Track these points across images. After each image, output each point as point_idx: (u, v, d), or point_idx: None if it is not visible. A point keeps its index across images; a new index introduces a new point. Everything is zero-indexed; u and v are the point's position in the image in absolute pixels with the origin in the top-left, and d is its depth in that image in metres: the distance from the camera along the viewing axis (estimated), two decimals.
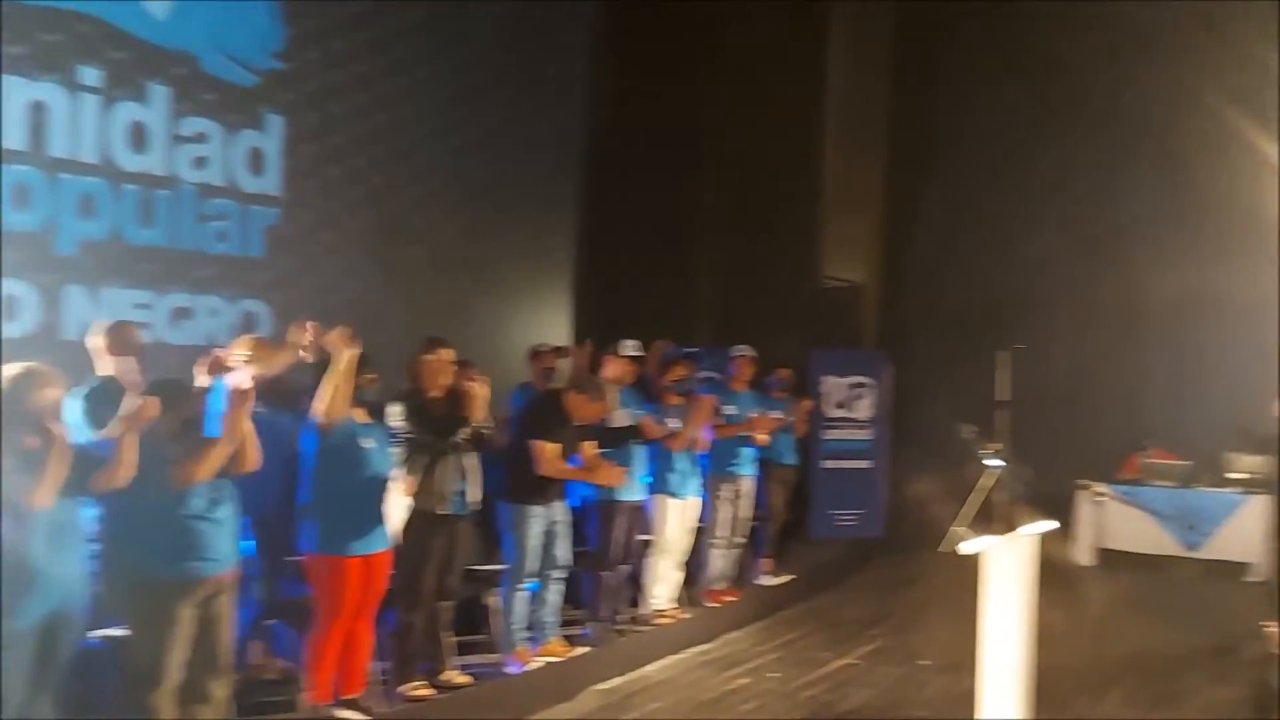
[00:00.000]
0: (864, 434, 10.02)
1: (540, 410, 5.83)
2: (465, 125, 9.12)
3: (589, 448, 5.97)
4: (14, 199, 6.15)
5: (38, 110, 6.24)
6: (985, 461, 8.72)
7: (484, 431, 5.41)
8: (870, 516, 10.04)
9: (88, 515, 4.12)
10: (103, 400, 4.50)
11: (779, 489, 8.24)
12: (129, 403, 3.97)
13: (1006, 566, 4.05)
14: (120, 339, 4.73)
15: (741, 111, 10.86)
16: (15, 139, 6.13)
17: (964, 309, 10.92)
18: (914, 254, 11.31)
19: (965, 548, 4.03)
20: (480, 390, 5.33)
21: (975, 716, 3.97)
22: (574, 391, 5.88)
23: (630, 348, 6.52)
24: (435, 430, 5.19)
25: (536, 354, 7.21)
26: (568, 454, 5.78)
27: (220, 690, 4.29)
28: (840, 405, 9.97)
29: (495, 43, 9.33)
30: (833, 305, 11.35)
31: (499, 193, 9.33)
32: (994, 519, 9.00)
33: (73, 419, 4.39)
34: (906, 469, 10.32)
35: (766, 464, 8.11)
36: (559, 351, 7.22)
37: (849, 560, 9.48)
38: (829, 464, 9.93)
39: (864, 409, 10.03)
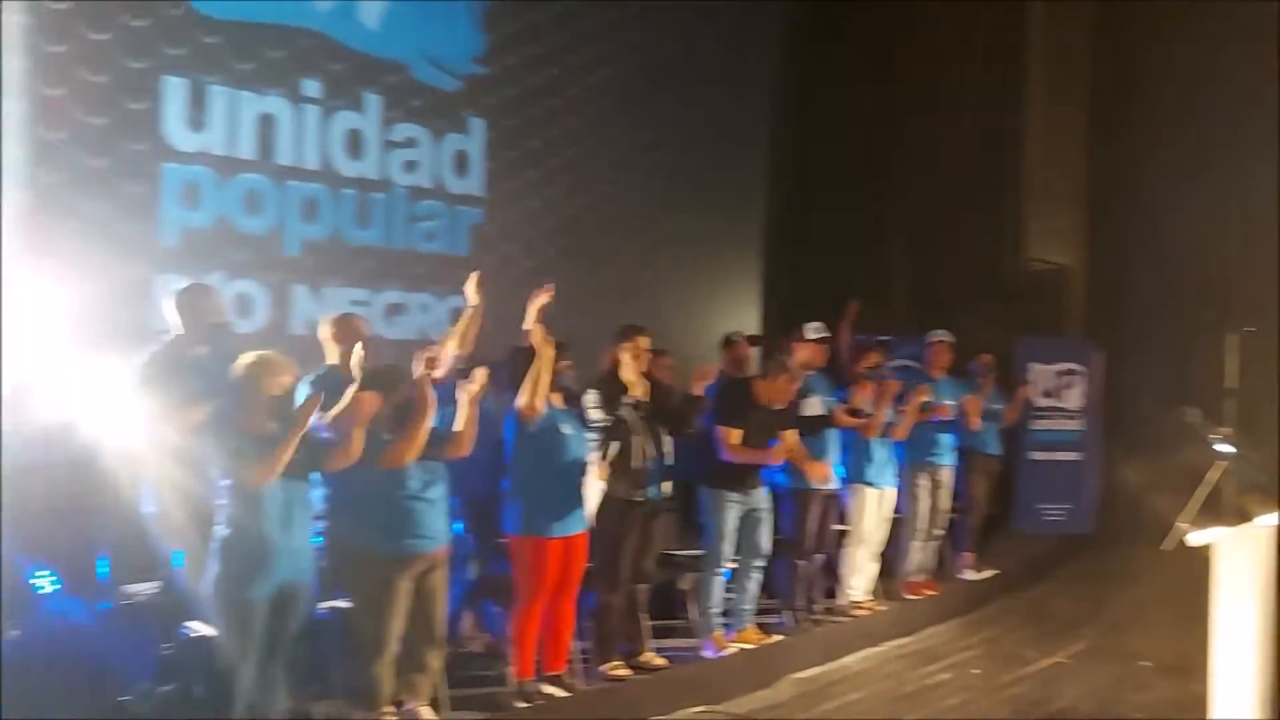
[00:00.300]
0: (1073, 424, 9.53)
1: (725, 396, 5.85)
2: (656, 121, 9.26)
3: (790, 436, 5.94)
4: (246, 205, 6.68)
5: (266, 122, 6.75)
6: (1214, 448, 8.03)
7: (683, 412, 5.47)
8: (1079, 510, 9.53)
9: (315, 495, 4.43)
10: (329, 388, 4.82)
11: (981, 480, 7.96)
12: (352, 391, 4.23)
13: (1240, 560, 3.77)
14: (345, 330, 5.05)
15: (940, 92, 10.50)
16: (247, 149, 6.66)
17: (1179, 290, 10.17)
18: (1123, 233, 10.61)
19: (1193, 539, 3.79)
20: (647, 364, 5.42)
21: None
22: (759, 377, 5.89)
23: (814, 330, 6.43)
24: (628, 415, 5.29)
25: (728, 343, 7.23)
26: (756, 440, 5.78)
27: (435, 661, 4.54)
28: (1048, 394, 9.51)
29: (685, 40, 9.42)
30: (1038, 289, 10.83)
31: (690, 185, 9.43)
32: (1224, 510, 8.37)
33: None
34: (1119, 461, 9.76)
35: (968, 453, 7.85)
36: (751, 340, 7.21)
37: (1056, 555, 9.06)
38: (1036, 455, 9.49)
39: (1073, 398, 9.54)
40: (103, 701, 4.23)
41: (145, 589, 4.74)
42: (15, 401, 5.15)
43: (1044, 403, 9.52)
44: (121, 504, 4.61)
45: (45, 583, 5.47)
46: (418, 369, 4.57)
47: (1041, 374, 9.50)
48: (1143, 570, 8.76)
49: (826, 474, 6.18)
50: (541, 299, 5.05)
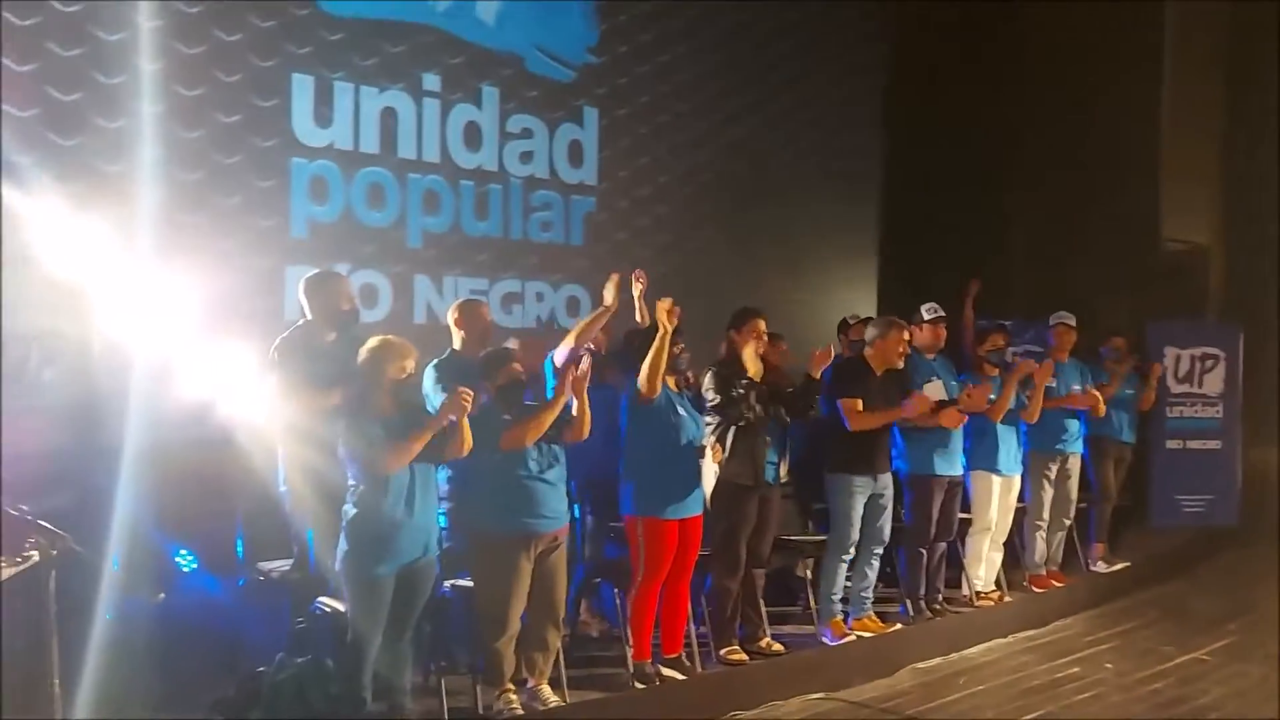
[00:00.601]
0: (1213, 411, 9.06)
1: (840, 373, 5.76)
2: (767, 106, 9.17)
3: (930, 386, 5.86)
4: (369, 198, 6.86)
5: (388, 116, 6.92)
6: None
7: (793, 388, 5.42)
8: (1222, 502, 9.05)
9: (440, 476, 4.52)
10: (452, 371, 4.93)
11: (1114, 468, 7.67)
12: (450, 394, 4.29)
13: None
14: (470, 315, 5.15)
15: (1069, 65, 10.09)
16: (370, 143, 6.84)
17: None
18: (1262, 210, 10.03)
19: None
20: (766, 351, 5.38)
21: None
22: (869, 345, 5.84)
23: (929, 310, 6.27)
24: (737, 397, 5.26)
25: (845, 326, 7.14)
26: (880, 404, 5.72)
27: (555, 640, 4.60)
28: (1184, 380, 9.07)
29: (796, 24, 9.30)
30: (1173, 270, 10.33)
31: (805, 168, 9.33)
32: None
33: (427, 388, 4.86)
34: (1266, 450, 9.28)
35: (1099, 441, 7.58)
36: (868, 323, 7.08)
37: (1196, 549, 8.64)
38: (1173, 444, 9.06)
39: (1213, 384, 9.07)
40: (240, 672, 4.40)
41: (279, 566, 4.92)
42: (155, 387, 5.40)
43: (1179, 389, 9.08)
44: (256, 484, 4.79)
45: (183, 561, 5.76)
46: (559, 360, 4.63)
47: (1177, 358, 9.07)
48: None
49: (956, 419, 6.04)
50: (638, 286, 5.09)
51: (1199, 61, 10.61)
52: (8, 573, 2.89)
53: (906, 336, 5.89)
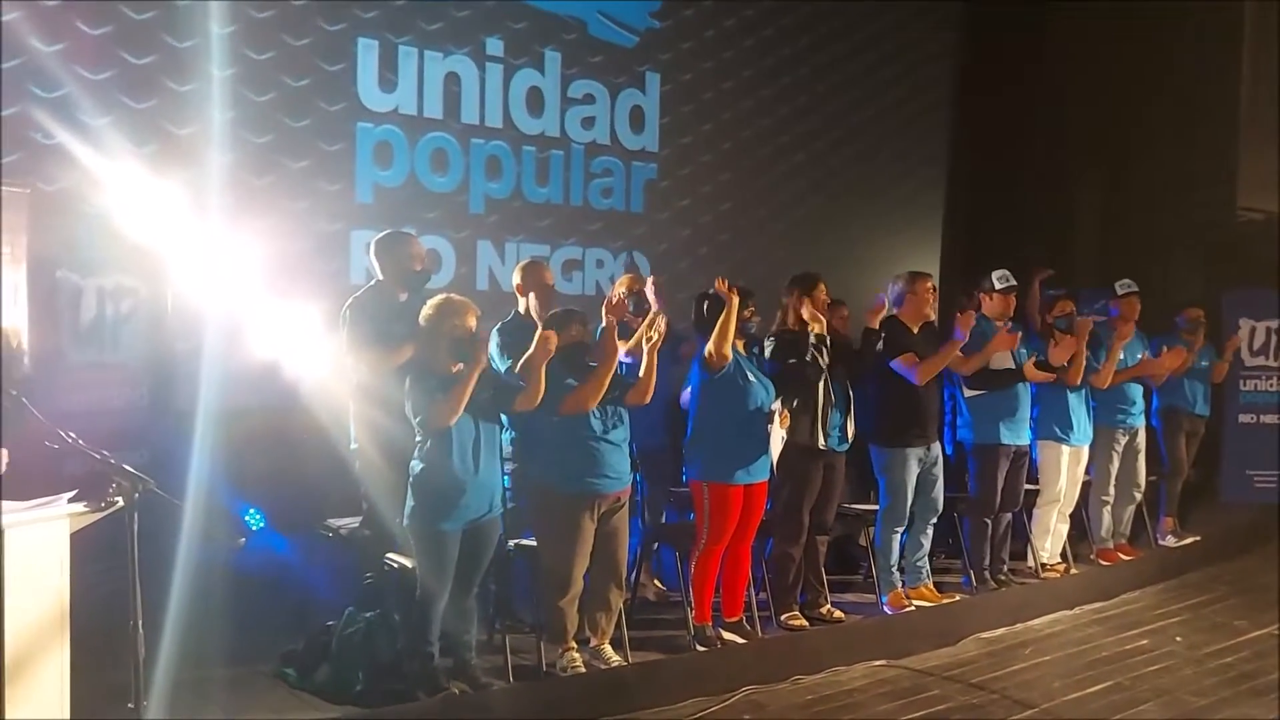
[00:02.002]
0: None
1: (886, 335, 5.67)
2: (829, 71, 9.07)
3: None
4: (433, 163, 6.90)
5: (452, 81, 6.94)
6: None
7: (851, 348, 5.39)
8: None
9: (505, 436, 4.55)
10: (516, 333, 4.95)
11: (1186, 441, 7.50)
12: (537, 335, 4.33)
13: None
14: (534, 276, 5.16)
15: (1145, 31, 9.79)
16: (434, 108, 6.87)
17: None
18: None
19: None
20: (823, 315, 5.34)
21: None
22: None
23: (1001, 279, 6.12)
24: (801, 359, 5.21)
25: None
26: (930, 352, 5.64)
27: (617, 600, 4.62)
28: (1259, 352, 8.82)
29: None
30: (1249, 240, 10.03)
31: (870, 133, 9.21)
32: None
33: (492, 350, 4.88)
34: None
35: (1172, 413, 7.41)
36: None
37: (1268, 525, 8.43)
38: (1246, 418, 8.83)
39: None
40: (311, 626, 4.49)
41: (348, 523, 4.99)
42: (225, 346, 5.50)
43: (1254, 361, 8.84)
44: (326, 442, 4.85)
45: (253, 520, 5.88)
46: (605, 316, 4.63)
47: (1253, 330, 8.82)
48: None
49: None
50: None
51: (1278, 29, 10.26)
52: (94, 517, 2.96)
53: (931, 285, 5.77)
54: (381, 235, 4.85)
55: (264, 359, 5.44)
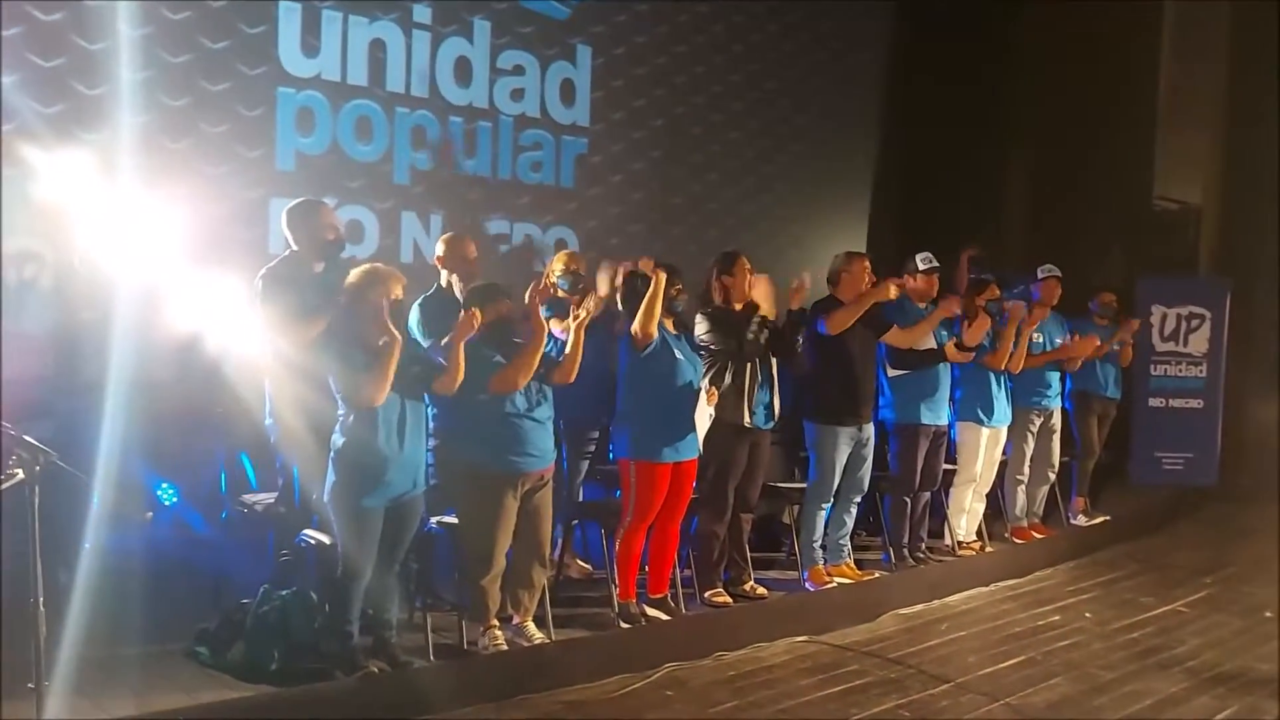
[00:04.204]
0: (1197, 370, 9.10)
1: (816, 309, 5.73)
2: (763, 51, 9.05)
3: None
4: (357, 132, 6.73)
5: (377, 48, 6.76)
6: None
7: (787, 335, 5.40)
8: (1202, 461, 9.11)
9: (427, 413, 4.46)
10: (438, 308, 4.86)
11: (1097, 423, 7.70)
12: (461, 316, 4.25)
13: None
14: (456, 250, 5.07)
15: (1069, 20, 9.96)
16: (358, 75, 6.69)
17: None
18: (1262, 170, 9.98)
19: None
20: (762, 283, 5.33)
21: None
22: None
23: (924, 260, 6.21)
24: (736, 337, 5.22)
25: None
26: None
27: (540, 577, 4.59)
28: (1170, 338, 9.09)
29: None
30: (1164, 227, 10.31)
31: (800, 115, 9.25)
32: None
33: (412, 325, 4.79)
34: (1246, 411, 9.34)
35: (1085, 396, 7.61)
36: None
37: (1176, 506, 8.74)
38: (1155, 402, 9.11)
39: (1198, 342, 9.09)
40: (225, 604, 4.38)
41: (263, 498, 4.88)
42: (137, 316, 5.31)
43: (1164, 347, 9.11)
44: (241, 416, 4.73)
45: (165, 495, 5.71)
46: (529, 297, 4.57)
47: (1164, 316, 9.08)
48: (1268, 522, 8.44)
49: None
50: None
51: (1199, 21, 10.52)
52: None
53: (867, 265, 5.83)
54: (293, 204, 4.72)
55: (178, 329, 5.26)
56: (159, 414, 5.36)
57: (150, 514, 4.78)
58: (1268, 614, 5.91)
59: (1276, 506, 8.77)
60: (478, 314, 4.21)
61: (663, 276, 4.77)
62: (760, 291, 5.47)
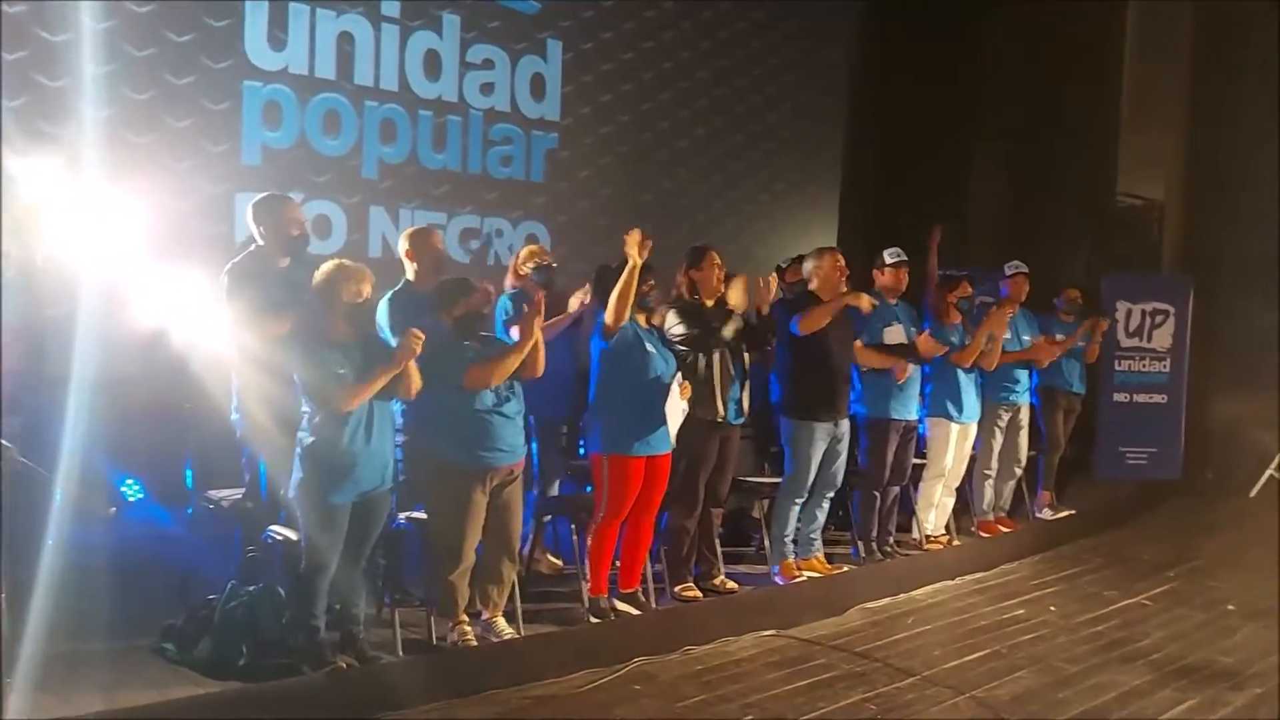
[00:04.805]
0: (1161, 365, 9.21)
1: (792, 306, 5.76)
2: (735, 47, 9.08)
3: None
4: (324, 126, 6.68)
5: (344, 41, 6.72)
6: None
7: (760, 331, 5.42)
8: (1166, 456, 9.22)
9: (396, 408, 4.45)
10: (406, 304, 4.84)
11: (1063, 419, 7.78)
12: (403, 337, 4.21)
13: None
14: (423, 244, 5.04)
15: (1036, 18, 10.05)
16: (326, 69, 6.64)
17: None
18: (1223, 168, 10.13)
19: None
20: (734, 287, 5.36)
21: None
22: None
23: (892, 255, 6.26)
24: (709, 334, 5.23)
25: (782, 271, 7.09)
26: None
27: (510, 573, 4.58)
28: (1134, 334, 9.20)
29: None
30: (1128, 224, 10.43)
31: (770, 111, 9.27)
32: None
33: (381, 321, 4.77)
34: (1209, 406, 9.47)
35: (1050, 391, 7.68)
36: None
37: (1139, 500, 8.84)
38: (1120, 397, 9.21)
39: (1162, 338, 9.20)
40: (191, 600, 4.35)
41: (230, 494, 4.85)
42: (102, 312, 5.25)
43: (1129, 343, 9.22)
44: (207, 412, 4.69)
45: (130, 491, 5.66)
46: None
47: (1128, 312, 9.18)
48: (1231, 517, 8.58)
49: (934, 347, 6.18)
50: None
51: (1162, 23, 10.64)
52: None
53: (842, 262, 5.86)
54: (259, 198, 4.69)
55: (143, 325, 5.23)
56: (124, 410, 5.32)
57: (113, 509, 4.72)
58: (1230, 607, 5.98)
59: (1239, 501, 8.96)
60: (420, 337, 4.13)
61: (638, 264, 4.76)
62: (736, 291, 5.47)
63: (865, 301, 5.73)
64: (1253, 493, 8.97)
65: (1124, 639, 5.43)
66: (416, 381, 4.17)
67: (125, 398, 5.34)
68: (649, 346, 4.97)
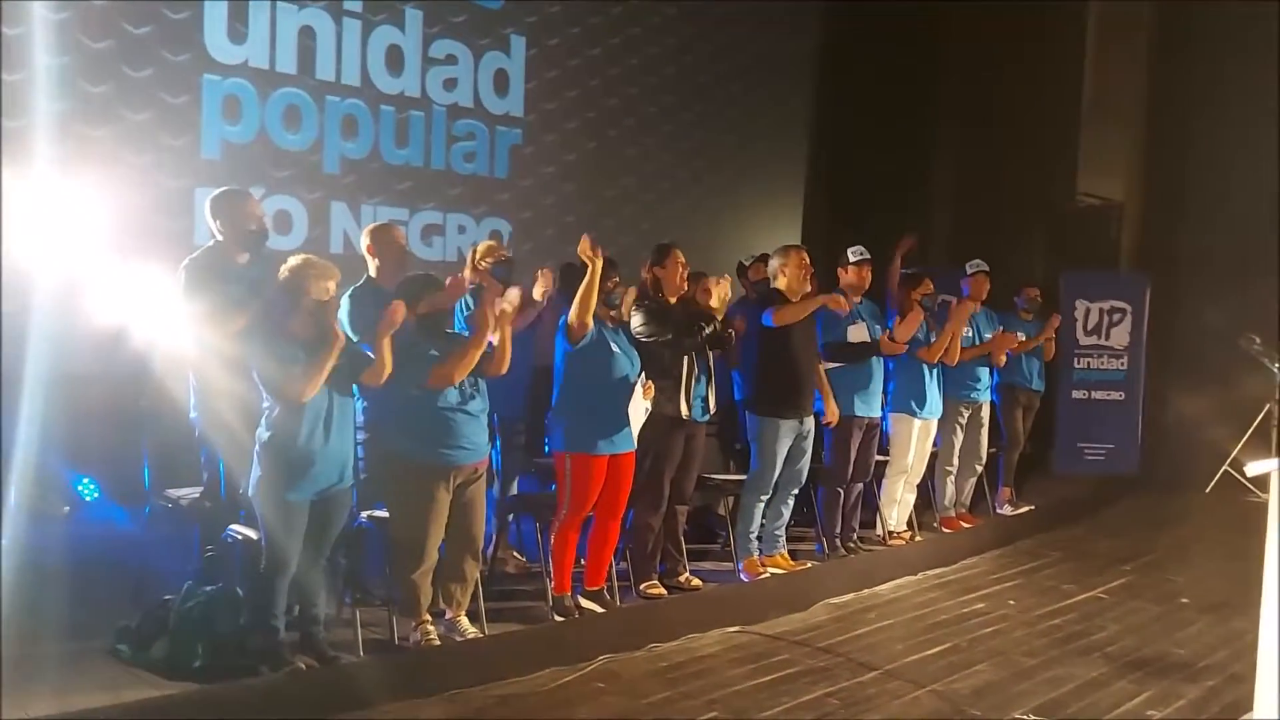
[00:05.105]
0: (1118, 363, 9.34)
1: (764, 306, 5.77)
2: (697, 44, 9.10)
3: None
4: (285, 120, 6.62)
5: (306, 35, 6.65)
6: (1277, 374, 7.74)
7: (721, 330, 5.42)
8: (1123, 451, 9.37)
9: (357, 405, 4.41)
10: (367, 299, 4.80)
11: (1022, 415, 7.86)
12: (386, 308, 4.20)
13: None
14: (385, 240, 5.00)
15: (995, 19, 10.14)
16: (287, 63, 6.57)
17: (1237, 229, 9.84)
18: (1181, 169, 10.28)
19: (1253, 469, 3.69)
20: (718, 288, 5.36)
21: (1256, 658, 3.63)
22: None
23: (856, 253, 6.29)
24: (675, 332, 5.23)
25: (743, 269, 7.12)
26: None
27: (473, 571, 4.56)
28: (1092, 332, 9.32)
29: None
30: (1087, 224, 10.56)
31: (735, 109, 9.30)
32: None
33: (342, 316, 4.72)
34: (1166, 403, 9.61)
35: (1010, 389, 7.76)
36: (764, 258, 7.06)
37: (1097, 495, 8.95)
38: (1078, 394, 9.33)
39: (1119, 336, 9.33)
40: (147, 600, 4.29)
41: (188, 493, 4.78)
42: (58, 311, 5.17)
43: (1087, 340, 9.34)
44: (165, 410, 4.63)
45: (86, 490, 5.58)
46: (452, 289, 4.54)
47: (1087, 310, 9.30)
48: (1186, 511, 8.72)
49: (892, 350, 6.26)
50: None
51: (1120, 24, 10.77)
52: None
53: (807, 258, 5.89)
54: (217, 193, 4.63)
55: (100, 321, 5.15)
56: (80, 408, 5.25)
57: (68, 509, 4.65)
58: (1184, 601, 6.08)
59: (1195, 496, 9.10)
60: (401, 307, 4.14)
61: (599, 265, 4.75)
62: (720, 291, 5.44)
63: (842, 304, 5.77)
64: (1208, 488, 9.10)
65: (1081, 632, 5.49)
66: (388, 364, 4.13)
67: (81, 395, 5.27)
68: (614, 346, 4.96)
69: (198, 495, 4.70)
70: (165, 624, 4.10)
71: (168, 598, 4.19)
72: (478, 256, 5.35)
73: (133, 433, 4.98)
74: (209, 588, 4.17)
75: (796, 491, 5.98)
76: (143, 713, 3.67)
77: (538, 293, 5.37)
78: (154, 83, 6.03)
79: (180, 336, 4.42)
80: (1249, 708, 3.72)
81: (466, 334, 4.63)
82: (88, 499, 5.61)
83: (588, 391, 4.88)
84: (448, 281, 4.57)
